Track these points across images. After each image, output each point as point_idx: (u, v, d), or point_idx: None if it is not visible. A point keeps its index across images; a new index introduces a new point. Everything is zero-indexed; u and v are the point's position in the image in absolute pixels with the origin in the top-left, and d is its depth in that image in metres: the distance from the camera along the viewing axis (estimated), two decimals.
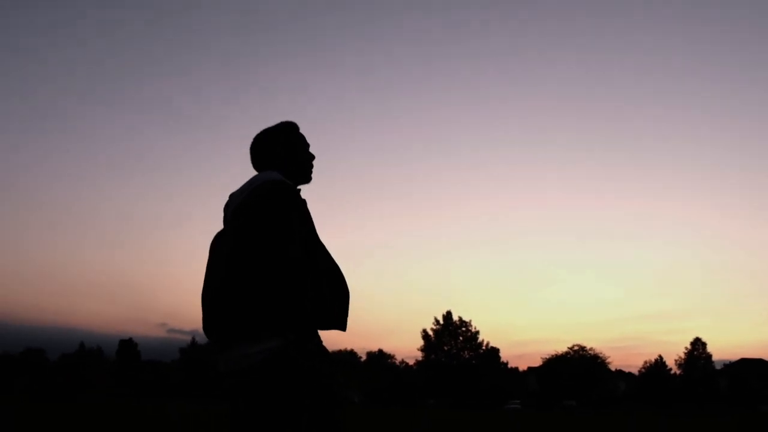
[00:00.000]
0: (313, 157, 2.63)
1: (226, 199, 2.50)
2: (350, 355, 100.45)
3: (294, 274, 2.15)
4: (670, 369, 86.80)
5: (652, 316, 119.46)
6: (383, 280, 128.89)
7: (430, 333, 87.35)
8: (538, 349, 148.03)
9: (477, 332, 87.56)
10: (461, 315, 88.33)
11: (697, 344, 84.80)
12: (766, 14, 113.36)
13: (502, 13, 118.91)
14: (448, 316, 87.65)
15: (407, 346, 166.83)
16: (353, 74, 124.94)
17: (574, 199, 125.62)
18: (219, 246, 2.37)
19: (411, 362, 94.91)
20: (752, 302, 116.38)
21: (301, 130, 2.64)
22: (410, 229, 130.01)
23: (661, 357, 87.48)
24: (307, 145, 2.64)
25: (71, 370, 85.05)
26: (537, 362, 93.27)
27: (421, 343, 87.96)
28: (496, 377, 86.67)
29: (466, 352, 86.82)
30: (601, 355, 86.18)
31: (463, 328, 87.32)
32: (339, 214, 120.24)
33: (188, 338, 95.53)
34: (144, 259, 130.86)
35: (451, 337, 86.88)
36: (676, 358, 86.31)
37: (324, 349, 2.29)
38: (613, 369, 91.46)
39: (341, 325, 2.37)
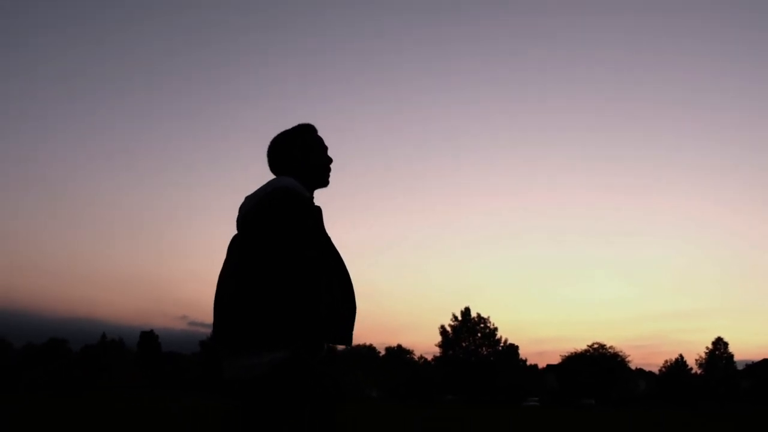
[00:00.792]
0: (330, 161, 2.55)
1: (242, 200, 2.44)
2: (369, 350, 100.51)
3: (304, 285, 2.12)
4: (691, 368, 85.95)
5: (673, 314, 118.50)
6: (403, 276, 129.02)
7: (448, 329, 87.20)
8: (557, 347, 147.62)
9: (495, 329, 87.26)
10: (480, 311, 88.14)
11: (719, 344, 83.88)
12: None
13: (517, 12, 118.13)
14: (466, 312, 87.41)
15: (426, 342, 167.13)
16: (370, 71, 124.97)
17: (595, 197, 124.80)
18: (230, 251, 2.34)
19: (429, 358, 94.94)
20: None
21: (318, 128, 2.57)
22: (430, 224, 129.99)
23: (681, 356, 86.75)
24: (325, 148, 2.56)
25: (93, 360, 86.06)
26: (557, 360, 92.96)
27: (439, 338, 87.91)
28: (515, 374, 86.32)
29: (484, 348, 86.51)
30: (621, 354, 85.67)
31: (482, 325, 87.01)
32: (358, 210, 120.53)
33: (208, 331, 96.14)
34: (166, 252, 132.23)
35: (469, 334, 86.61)
36: (697, 357, 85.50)
37: (330, 361, 2.24)
38: (633, 368, 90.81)
39: (346, 341, 2.31)
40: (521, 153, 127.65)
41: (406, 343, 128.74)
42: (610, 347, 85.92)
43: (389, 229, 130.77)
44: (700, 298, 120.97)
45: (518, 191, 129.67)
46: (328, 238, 2.33)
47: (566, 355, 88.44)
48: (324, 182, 2.53)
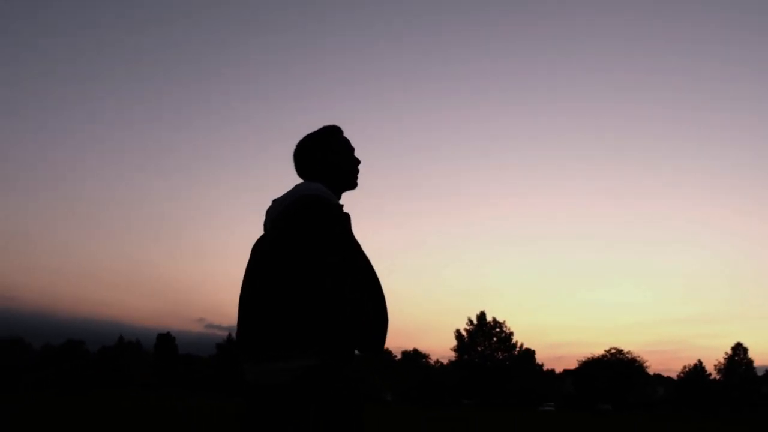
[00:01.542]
0: (358, 162, 2.51)
1: (269, 203, 2.41)
2: (385, 353, 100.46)
3: (334, 294, 2.07)
4: (710, 374, 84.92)
5: (692, 320, 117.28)
6: (420, 279, 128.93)
7: (464, 333, 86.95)
8: (575, 352, 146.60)
9: (511, 333, 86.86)
10: (495, 316, 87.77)
11: (738, 349, 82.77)
12: None
13: (541, 16, 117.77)
14: (482, 316, 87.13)
15: (442, 346, 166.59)
16: (389, 76, 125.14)
17: (612, 201, 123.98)
18: (257, 255, 2.30)
19: (445, 362, 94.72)
20: None
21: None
22: (447, 228, 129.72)
23: (700, 362, 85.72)
24: (352, 150, 2.52)
25: (109, 362, 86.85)
26: (574, 365, 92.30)
27: (455, 343, 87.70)
28: (530, 379, 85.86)
29: (499, 353, 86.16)
30: (638, 359, 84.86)
31: (497, 329, 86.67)
32: (375, 213, 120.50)
33: (225, 334, 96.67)
34: (184, 255, 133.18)
35: (484, 338, 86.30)
36: (716, 363, 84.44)
37: (358, 373, 2.20)
38: (651, 373, 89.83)
39: (377, 350, 2.24)
40: (538, 158, 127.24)
41: (423, 347, 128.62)
42: (628, 352, 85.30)
43: (407, 234, 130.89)
44: (719, 303, 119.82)
45: (534, 196, 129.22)
46: (358, 245, 2.27)
47: (583, 360, 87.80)
48: (352, 185, 2.49)
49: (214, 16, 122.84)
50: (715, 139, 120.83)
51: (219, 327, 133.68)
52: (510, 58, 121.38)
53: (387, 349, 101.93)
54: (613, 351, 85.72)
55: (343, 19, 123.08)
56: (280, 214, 2.26)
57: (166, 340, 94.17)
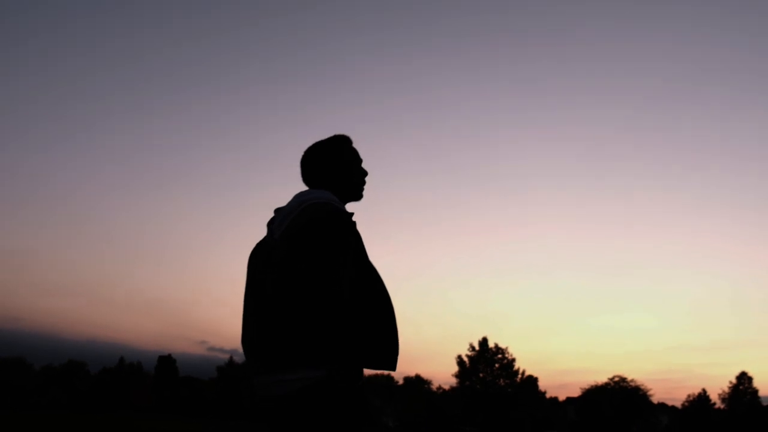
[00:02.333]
0: (365, 174, 2.51)
1: (271, 213, 2.39)
2: (387, 379, 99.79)
3: (346, 306, 2.07)
4: (714, 403, 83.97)
5: (697, 348, 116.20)
6: (422, 304, 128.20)
7: (465, 359, 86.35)
8: (579, 379, 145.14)
9: (513, 360, 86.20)
10: (500, 342, 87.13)
11: (743, 378, 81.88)
12: None
13: (548, 41, 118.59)
14: (483, 342, 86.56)
15: (446, 372, 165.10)
16: (395, 99, 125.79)
17: (616, 228, 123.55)
18: (265, 264, 2.27)
19: (448, 388, 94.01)
20: None
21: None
22: (452, 253, 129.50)
23: (704, 391, 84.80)
24: (360, 161, 2.51)
25: (110, 384, 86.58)
26: (577, 393, 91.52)
27: (457, 368, 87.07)
28: (533, 406, 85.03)
29: (502, 380, 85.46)
30: (642, 387, 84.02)
31: (499, 355, 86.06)
32: (377, 238, 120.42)
33: (227, 357, 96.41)
34: (186, 277, 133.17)
35: (487, 365, 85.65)
36: (720, 392, 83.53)
37: (365, 389, 2.19)
38: (655, 402, 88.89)
39: (391, 365, 2.24)
40: (544, 184, 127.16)
41: (425, 373, 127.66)
42: (632, 380, 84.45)
43: (411, 258, 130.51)
44: (724, 331, 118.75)
45: (539, 222, 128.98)
46: (368, 259, 2.28)
47: (587, 387, 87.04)
48: (358, 196, 2.49)
49: (209, 43, 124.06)
50: (722, 166, 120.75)
51: (221, 350, 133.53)
52: (515, 84, 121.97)
53: (389, 374, 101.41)
54: (616, 379, 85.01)
55: (347, 41, 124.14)
56: (294, 223, 2.22)
57: (167, 362, 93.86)
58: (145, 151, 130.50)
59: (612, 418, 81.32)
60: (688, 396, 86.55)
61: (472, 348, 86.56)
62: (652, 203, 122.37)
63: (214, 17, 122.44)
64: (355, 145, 2.52)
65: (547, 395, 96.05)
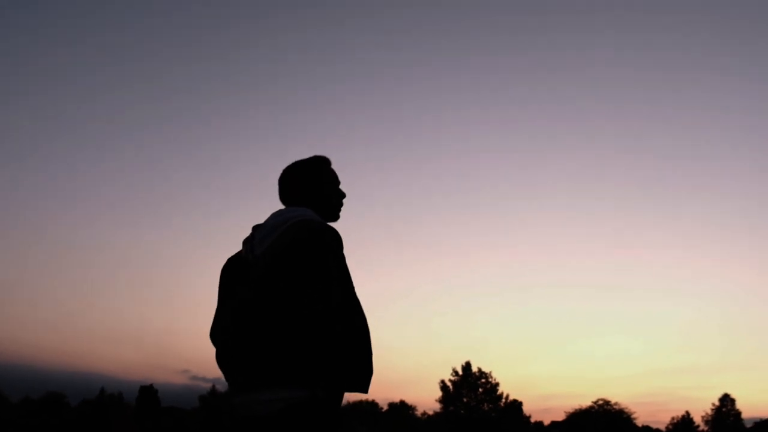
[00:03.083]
0: (343, 195, 2.54)
1: (248, 231, 2.39)
2: (371, 405, 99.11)
3: (332, 326, 2.05)
4: (698, 426, 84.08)
5: (680, 370, 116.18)
6: (405, 329, 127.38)
7: (449, 384, 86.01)
8: (563, 403, 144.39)
9: (497, 384, 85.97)
10: (485, 366, 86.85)
11: (726, 400, 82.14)
12: None
13: (528, 63, 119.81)
14: (467, 366, 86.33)
15: (429, 397, 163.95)
16: (374, 123, 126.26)
17: (600, 252, 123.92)
18: (243, 281, 2.28)
19: (432, 413, 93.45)
20: None
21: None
22: (434, 278, 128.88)
23: (688, 413, 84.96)
24: (338, 182, 2.55)
25: (91, 416, 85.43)
26: (562, 416, 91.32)
27: (440, 394, 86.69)
28: (517, 431, 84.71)
29: (486, 404, 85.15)
30: (626, 411, 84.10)
31: (483, 380, 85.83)
32: (357, 264, 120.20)
33: (209, 386, 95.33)
34: (167, 305, 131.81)
35: (470, 389, 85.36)
36: (704, 414, 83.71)
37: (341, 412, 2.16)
38: (639, 425, 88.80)
39: (363, 387, 2.22)
40: (525, 208, 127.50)
41: (410, 399, 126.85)
42: (615, 404, 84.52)
43: (392, 284, 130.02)
44: (706, 353, 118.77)
45: (522, 245, 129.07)
46: (350, 278, 2.28)
47: (571, 411, 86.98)
48: (335, 216, 2.51)
49: (199, 66, 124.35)
50: (708, 189, 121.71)
51: (203, 379, 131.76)
52: (498, 107, 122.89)
53: (374, 401, 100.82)
54: (600, 402, 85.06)
55: (321, 69, 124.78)
56: (277, 240, 2.22)
57: (149, 392, 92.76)
58: (125, 181, 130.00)
59: None
60: (672, 419, 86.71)
61: (456, 373, 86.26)
62: (638, 227, 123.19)
63: (184, 49, 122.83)
64: (334, 167, 2.56)
65: (532, 419, 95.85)
